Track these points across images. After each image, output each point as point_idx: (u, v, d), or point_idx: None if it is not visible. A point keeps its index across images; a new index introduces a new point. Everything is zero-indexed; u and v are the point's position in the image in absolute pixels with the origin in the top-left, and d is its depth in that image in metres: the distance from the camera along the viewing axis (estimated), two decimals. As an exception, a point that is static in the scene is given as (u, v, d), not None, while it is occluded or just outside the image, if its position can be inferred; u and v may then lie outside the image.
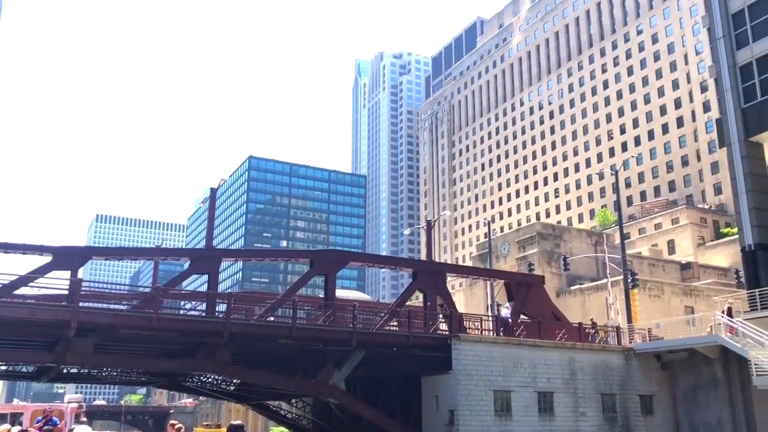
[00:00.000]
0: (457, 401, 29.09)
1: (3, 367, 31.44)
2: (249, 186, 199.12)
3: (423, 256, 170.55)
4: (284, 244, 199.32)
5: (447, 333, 30.98)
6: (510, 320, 32.76)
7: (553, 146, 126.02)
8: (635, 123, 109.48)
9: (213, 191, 29.03)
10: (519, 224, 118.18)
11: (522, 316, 34.32)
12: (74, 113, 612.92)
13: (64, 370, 31.95)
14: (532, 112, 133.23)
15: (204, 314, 27.29)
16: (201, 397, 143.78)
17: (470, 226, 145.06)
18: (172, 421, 32.28)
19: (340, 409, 31.19)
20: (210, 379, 34.14)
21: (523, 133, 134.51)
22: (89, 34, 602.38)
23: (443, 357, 30.21)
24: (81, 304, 24.56)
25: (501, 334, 32.45)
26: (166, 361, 27.19)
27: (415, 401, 32.36)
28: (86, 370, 32.46)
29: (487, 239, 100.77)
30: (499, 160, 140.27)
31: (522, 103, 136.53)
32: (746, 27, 34.71)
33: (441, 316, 32.72)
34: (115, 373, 32.97)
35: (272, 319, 29.95)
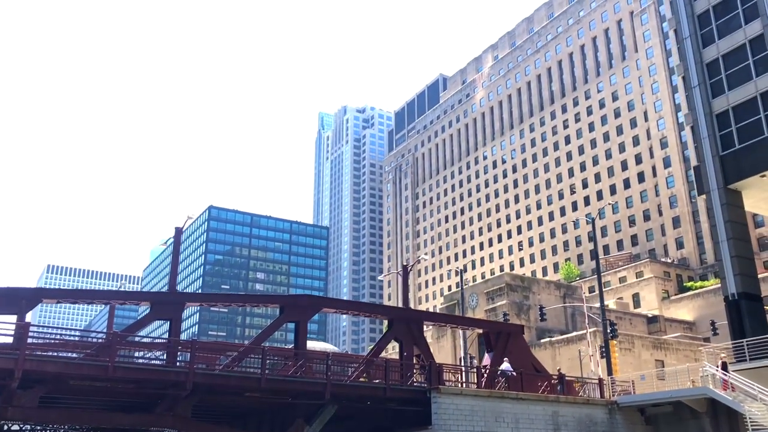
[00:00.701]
0: (437, 459, 27.10)
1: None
2: (208, 236, 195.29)
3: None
4: (239, 318, 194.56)
5: (425, 385, 29.14)
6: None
7: (516, 199, 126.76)
8: (597, 178, 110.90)
9: (178, 230, 27.10)
10: (483, 276, 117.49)
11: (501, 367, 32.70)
12: (27, 155, 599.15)
13: (5, 427, 29.01)
14: (495, 165, 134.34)
15: (164, 363, 25.00)
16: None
17: (434, 279, 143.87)
18: None
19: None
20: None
21: (487, 186, 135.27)
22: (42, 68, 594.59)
23: (421, 411, 28.34)
24: (27, 352, 22.15)
25: (482, 386, 30.74)
26: (121, 416, 24.68)
27: (391, 459, 30.22)
28: (29, 427, 29.54)
29: (454, 290, 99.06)
30: (462, 213, 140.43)
31: (485, 157, 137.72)
32: (721, 76, 34.88)
33: (418, 367, 30.90)
34: (63, 431, 30.06)
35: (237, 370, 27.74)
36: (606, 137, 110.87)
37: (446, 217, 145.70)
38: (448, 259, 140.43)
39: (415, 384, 29.85)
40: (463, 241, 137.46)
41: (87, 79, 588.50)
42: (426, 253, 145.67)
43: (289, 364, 27.74)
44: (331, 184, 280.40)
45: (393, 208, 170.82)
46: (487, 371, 31.60)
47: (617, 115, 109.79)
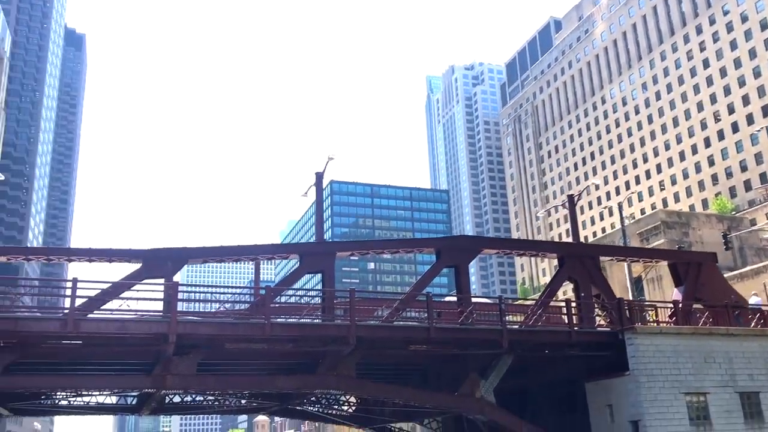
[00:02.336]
0: (640, 409, 23.08)
1: (100, 399, 27.69)
2: (333, 211, 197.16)
3: (517, 266, 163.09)
4: (371, 266, 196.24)
5: (613, 327, 25.09)
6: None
7: (652, 136, 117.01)
8: (745, 100, 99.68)
9: (319, 175, 24.55)
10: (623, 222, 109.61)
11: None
12: (149, 144, 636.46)
13: (166, 399, 27.95)
14: (624, 102, 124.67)
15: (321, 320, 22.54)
16: (304, 428, 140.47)
17: (568, 231, 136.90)
18: None
19: (489, 427, 25.69)
20: (327, 400, 29.43)
21: (617, 125, 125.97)
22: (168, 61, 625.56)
23: (611, 357, 24.38)
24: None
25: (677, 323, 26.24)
26: (282, 379, 22.57)
27: (576, 413, 26.50)
28: (190, 398, 28.33)
29: (600, 236, 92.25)
30: (593, 157, 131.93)
31: (612, 95, 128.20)
32: None
33: (599, 307, 26.84)
34: (220, 400, 28.66)
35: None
36: (752, 54, 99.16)
37: (575, 165, 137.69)
38: (582, 208, 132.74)
39: (598, 327, 25.91)
40: (597, 188, 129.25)
41: (201, 70, 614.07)
42: (558, 206, 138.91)
43: (454, 312, 24.62)
44: (445, 147, 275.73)
45: (515, 162, 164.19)
46: (681, 307, 27.02)
47: (764, 27, 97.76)
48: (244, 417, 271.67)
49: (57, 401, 27.37)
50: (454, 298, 26.07)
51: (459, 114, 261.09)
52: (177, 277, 22.37)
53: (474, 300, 26.23)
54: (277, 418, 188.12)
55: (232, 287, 20.84)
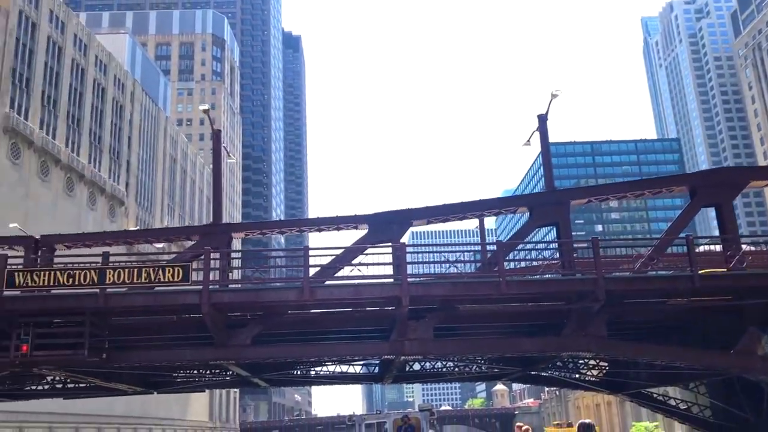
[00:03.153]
0: None
1: (344, 368, 28.17)
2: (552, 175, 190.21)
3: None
4: (599, 228, 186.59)
5: None
6: None
7: None
8: None
9: (543, 117, 22.21)
10: None
11: None
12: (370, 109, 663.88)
13: (406, 367, 27.63)
14: None
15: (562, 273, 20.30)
16: (544, 396, 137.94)
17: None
18: (518, 423, 25.61)
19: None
20: (575, 364, 27.10)
21: None
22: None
23: None
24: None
25: None
26: (527, 342, 20.79)
27: None
28: (429, 365, 27.74)
29: None
30: None
31: None
32: None
33: None
34: (460, 367, 27.72)
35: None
36: None
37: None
38: None
39: None
40: None
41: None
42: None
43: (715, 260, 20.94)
44: (670, 92, 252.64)
45: (758, 96, 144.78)
46: None
47: None
48: (482, 387, 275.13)
49: (305, 371, 28.34)
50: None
51: (683, 54, 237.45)
52: (403, 240, 21.55)
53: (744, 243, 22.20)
54: (515, 387, 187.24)
55: (459, 244, 19.48)
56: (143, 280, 18.16)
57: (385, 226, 21.09)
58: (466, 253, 19.91)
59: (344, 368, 28.01)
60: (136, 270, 18.22)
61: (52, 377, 25.66)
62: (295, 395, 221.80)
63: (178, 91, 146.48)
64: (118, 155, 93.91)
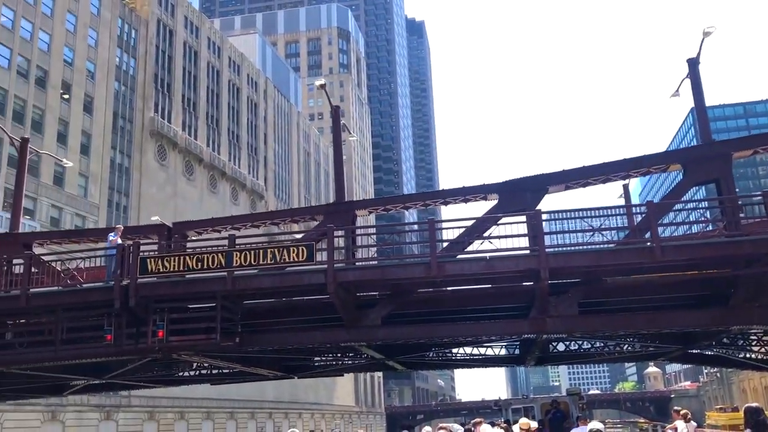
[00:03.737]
0: None
1: (482, 350, 26.78)
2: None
3: None
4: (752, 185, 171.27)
5: None
6: None
7: None
8: None
9: (693, 61, 19.49)
10: None
11: None
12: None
13: (550, 348, 25.77)
14: None
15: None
16: (703, 379, 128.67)
17: None
18: (676, 407, 22.85)
19: None
20: (745, 341, 23.95)
21: None
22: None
23: None
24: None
25: None
26: (687, 316, 18.34)
27: None
28: (575, 345, 25.68)
29: None
30: None
31: None
32: None
33: None
34: (610, 346, 25.40)
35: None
36: None
37: None
38: None
39: None
40: None
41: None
42: None
43: None
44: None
45: None
46: None
47: None
48: (632, 369, 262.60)
49: (441, 354, 27.24)
50: None
51: None
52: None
53: None
54: (669, 369, 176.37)
55: (603, 208, 17.35)
56: (269, 261, 17.77)
57: (518, 195, 19.40)
58: (610, 219, 17.68)
59: (482, 350, 26.64)
60: (261, 251, 17.87)
61: (197, 363, 26.28)
62: (438, 380, 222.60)
63: (308, 87, 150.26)
64: (256, 151, 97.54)
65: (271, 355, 24.99)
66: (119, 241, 20.30)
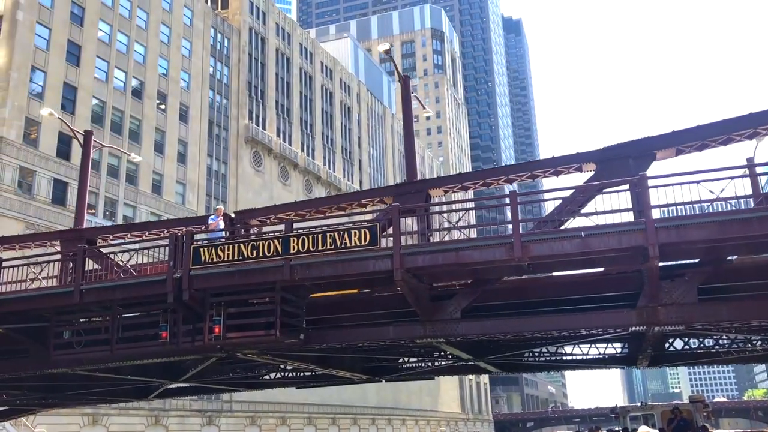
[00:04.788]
0: None
1: (584, 349, 23.65)
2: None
3: None
4: None
5: None
6: None
7: None
8: None
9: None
10: None
11: None
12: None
13: (666, 345, 22.24)
14: None
15: None
16: None
17: None
18: None
19: None
20: None
21: None
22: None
23: None
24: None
25: None
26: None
27: None
28: (696, 342, 22.03)
29: None
30: None
31: None
32: None
33: None
34: (738, 343, 21.58)
35: None
36: None
37: None
38: None
39: None
40: None
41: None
42: None
43: None
44: None
45: None
46: None
47: None
48: (762, 375, 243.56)
49: (538, 354, 24.36)
50: None
51: None
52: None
53: None
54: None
55: (725, 169, 13.97)
56: (329, 247, 15.78)
57: (618, 163, 16.44)
58: (736, 184, 14.34)
59: (585, 349, 23.53)
60: (320, 236, 15.91)
61: (273, 364, 24.73)
62: (549, 386, 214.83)
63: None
64: (350, 155, 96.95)
65: (350, 354, 23.10)
66: (221, 224, 18.95)
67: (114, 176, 55.19)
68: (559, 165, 17.43)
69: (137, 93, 59.28)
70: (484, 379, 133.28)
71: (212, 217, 19.79)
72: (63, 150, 51.23)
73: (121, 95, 57.40)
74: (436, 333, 16.91)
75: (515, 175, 17.72)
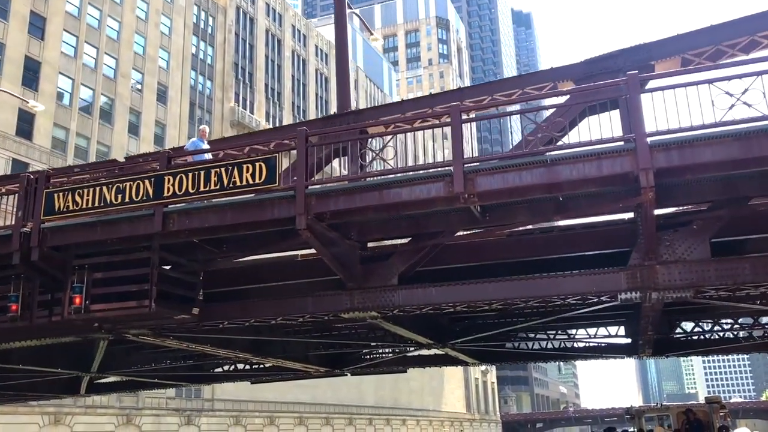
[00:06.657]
0: None
1: (576, 333, 19.61)
2: None
3: None
4: None
5: None
6: None
7: None
8: None
9: None
10: None
11: None
12: None
13: (670, 328, 18.02)
14: None
15: None
16: None
17: None
18: None
19: None
20: None
21: None
22: None
23: None
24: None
25: None
26: None
27: None
28: (709, 324, 17.80)
29: None
30: None
31: None
32: None
33: None
34: (765, 323, 17.37)
35: None
36: None
37: None
38: None
39: None
40: None
41: None
42: None
43: None
44: None
45: None
46: None
47: None
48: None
49: (521, 341, 20.32)
50: None
51: None
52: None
53: None
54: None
55: (743, 63, 9.90)
56: (213, 187, 11.76)
57: (604, 79, 12.25)
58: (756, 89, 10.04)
59: (582, 334, 19.46)
60: (203, 173, 11.89)
61: (217, 354, 20.71)
62: (560, 386, 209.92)
63: (407, 80, 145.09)
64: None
65: (293, 339, 19.15)
66: (205, 144, 14.86)
67: (83, 158, 51.48)
68: (529, 85, 13.30)
69: (109, 71, 55.58)
70: (492, 378, 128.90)
71: (192, 141, 15.92)
72: (24, 129, 47.61)
73: (91, 73, 53.72)
74: (366, 305, 12.82)
75: (471, 101, 13.52)
